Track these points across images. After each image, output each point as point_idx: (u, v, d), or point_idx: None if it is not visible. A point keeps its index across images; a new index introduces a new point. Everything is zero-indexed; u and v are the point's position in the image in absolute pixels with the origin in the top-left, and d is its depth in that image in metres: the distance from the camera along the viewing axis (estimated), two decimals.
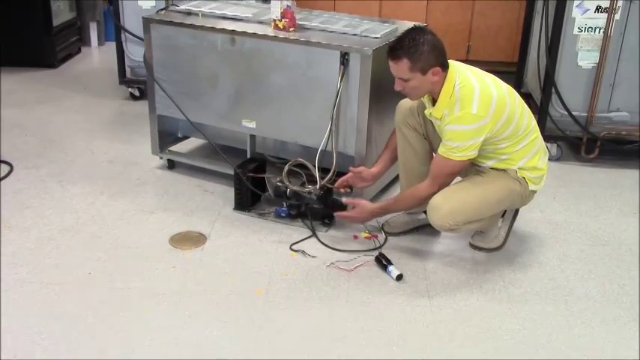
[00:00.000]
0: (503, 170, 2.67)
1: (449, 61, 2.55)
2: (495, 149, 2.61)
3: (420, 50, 2.43)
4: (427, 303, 2.49)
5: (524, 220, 3.04)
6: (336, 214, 2.91)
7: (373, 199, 3.22)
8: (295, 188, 2.97)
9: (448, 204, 2.56)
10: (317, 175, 2.92)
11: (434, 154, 2.85)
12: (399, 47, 2.46)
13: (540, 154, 2.70)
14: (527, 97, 4.36)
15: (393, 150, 2.87)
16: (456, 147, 2.50)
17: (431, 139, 2.79)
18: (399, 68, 2.48)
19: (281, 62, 2.97)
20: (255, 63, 3.03)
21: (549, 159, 2.93)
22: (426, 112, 2.69)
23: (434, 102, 2.59)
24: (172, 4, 3.45)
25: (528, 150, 2.64)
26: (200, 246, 2.82)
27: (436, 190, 2.60)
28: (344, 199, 2.92)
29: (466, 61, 2.67)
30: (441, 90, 2.52)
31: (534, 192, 2.75)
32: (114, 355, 2.15)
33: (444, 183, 2.62)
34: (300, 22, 3.09)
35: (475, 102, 2.47)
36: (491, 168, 2.68)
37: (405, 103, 2.80)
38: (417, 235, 2.97)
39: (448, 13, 5.16)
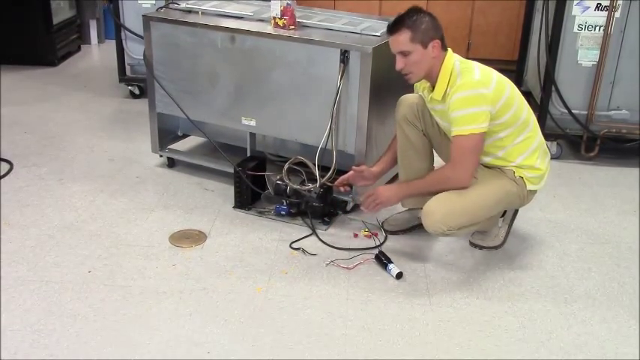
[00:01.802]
0: (500, 170, 2.67)
1: (449, 49, 2.57)
2: (494, 142, 2.60)
3: (419, 22, 2.48)
4: (427, 301, 2.49)
5: (524, 219, 3.04)
6: (366, 209, 2.75)
7: None
8: (295, 186, 2.97)
9: (442, 209, 2.54)
10: (317, 173, 2.92)
11: (434, 151, 2.87)
12: (398, 22, 2.51)
13: (539, 154, 2.68)
14: (527, 95, 4.36)
15: (395, 151, 2.87)
16: (463, 116, 2.45)
17: (430, 135, 2.79)
18: (400, 40, 2.50)
19: (281, 60, 2.97)
20: (255, 61, 3.03)
21: None
22: (427, 104, 2.70)
23: (433, 90, 2.60)
24: (172, 2, 3.44)
25: (526, 146, 2.63)
26: (200, 244, 2.82)
27: (459, 171, 2.52)
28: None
29: (466, 58, 2.67)
30: (439, 72, 2.54)
31: (534, 192, 2.74)
32: (114, 354, 2.15)
33: (467, 162, 2.52)
34: (300, 20, 3.08)
35: (477, 72, 2.50)
36: (489, 166, 2.68)
37: (406, 99, 2.80)
38: (417, 233, 2.97)
39: (448, 10, 5.16)
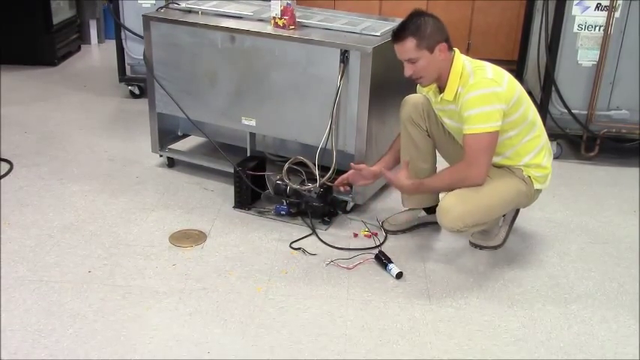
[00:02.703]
0: (509, 169, 2.67)
1: (455, 49, 2.57)
2: (503, 141, 2.59)
3: (423, 28, 2.45)
4: (427, 301, 2.49)
5: (524, 219, 3.04)
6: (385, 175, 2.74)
7: (373, 198, 3.23)
8: (295, 186, 2.97)
9: (458, 207, 2.53)
10: (317, 173, 2.92)
11: (437, 151, 2.86)
12: (403, 29, 2.48)
13: (545, 153, 2.69)
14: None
15: (396, 151, 2.87)
16: (477, 114, 2.44)
17: (435, 136, 2.80)
18: (406, 49, 2.48)
19: (281, 60, 2.97)
20: (255, 61, 3.03)
21: None
22: (434, 105, 2.69)
23: (440, 91, 2.60)
24: (172, 2, 3.44)
25: (533, 145, 2.64)
26: (200, 244, 2.82)
27: (474, 170, 2.50)
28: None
29: None
30: (449, 74, 2.53)
31: (539, 191, 2.74)
32: (114, 353, 2.15)
33: (482, 161, 2.50)
34: (300, 20, 3.08)
35: (489, 70, 2.50)
36: (498, 166, 2.67)
37: (410, 99, 2.80)
38: (417, 233, 2.97)
39: (448, 10, 5.15)
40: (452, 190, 2.58)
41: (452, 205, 2.55)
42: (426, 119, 2.76)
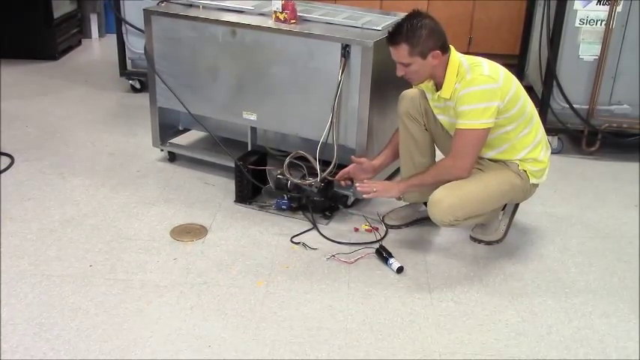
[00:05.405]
0: (504, 163, 2.67)
1: (451, 47, 2.56)
2: (499, 135, 2.59)
3: (418, 34, 2.46)
4: (428, 295, 2.50)
5: (525, 213, 3.04)
6: (360, 189, 2.73)
7: None
8: (296, 181, 2.97)
9: (448, 199, 2.54)
10: (318, 167, 2.92)
11: (435, 146, 2.87)
12: (397, 32, 2.49)
13: (542, 147, 2.69)
14: (528, 90, 4.32)
15: (396, 145, 2.87)
16: (470, 110, 2.46)
17: (432, 130, 2.80)
18: (399, 53, 2.51)
19: (282, 54, 2.97)
20: (256, 55, 3.03)
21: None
22: (431, 102, 2.70)
23: (437, 88, 2.60)
24: None
25: (530, 140, 2.64)
26: (201, 238, 2.82)
27: (460, 163, 2.54)
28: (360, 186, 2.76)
29: (467, 53, 2.67)
30: (445, 72, 2.54)
31: (536, 185, 2.75)
32: (115, 347, 2.15)
33: (468, 155, 2.53)
34: (301, 14, 3.08)
35: (486, 67, 2.51)
36: (493, 160, 2.68)
37: (408, 94, 2.80)
38: (418, 227, 2.97)
39: (450, 4, 5.14)
40: (438, 183, 2.59)
41: (442, 197, 2.55)
42: (424, 114, 2.76)
